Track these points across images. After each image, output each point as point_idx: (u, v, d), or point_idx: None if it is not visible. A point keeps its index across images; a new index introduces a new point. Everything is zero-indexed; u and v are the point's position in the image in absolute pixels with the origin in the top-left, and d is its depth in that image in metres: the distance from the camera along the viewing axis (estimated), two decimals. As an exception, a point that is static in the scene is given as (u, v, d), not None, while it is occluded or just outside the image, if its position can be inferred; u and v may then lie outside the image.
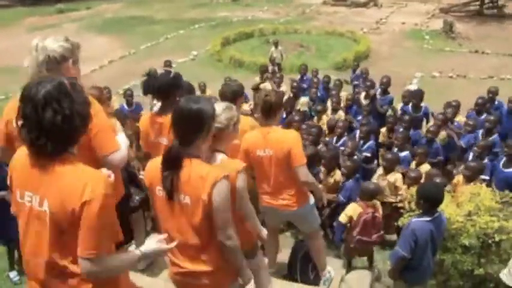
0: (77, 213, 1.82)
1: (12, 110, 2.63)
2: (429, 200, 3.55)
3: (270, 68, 12.37)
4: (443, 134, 6.69)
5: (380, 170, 5.76)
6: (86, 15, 23.83)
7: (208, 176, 2.26)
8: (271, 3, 24.41)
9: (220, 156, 2.78)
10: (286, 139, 3.60)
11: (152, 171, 2.45)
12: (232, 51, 16.22)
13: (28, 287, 2.08)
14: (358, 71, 9.97)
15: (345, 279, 4.44)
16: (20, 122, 1.85)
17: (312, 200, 3.90)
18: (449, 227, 4.36)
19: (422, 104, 7.68)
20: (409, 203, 4.70)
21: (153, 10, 23.85)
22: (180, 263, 2.46)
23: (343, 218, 4.68)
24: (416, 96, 7.68)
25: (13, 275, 4.83)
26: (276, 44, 13.59)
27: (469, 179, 5.18)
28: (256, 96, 3.86)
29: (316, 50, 16.42)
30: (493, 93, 7.65)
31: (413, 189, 4.85)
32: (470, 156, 5.97)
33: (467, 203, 4.52)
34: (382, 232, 4.72)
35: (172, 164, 2.30)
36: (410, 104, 7.68)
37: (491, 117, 6.65)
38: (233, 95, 3.89)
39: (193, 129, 2.33)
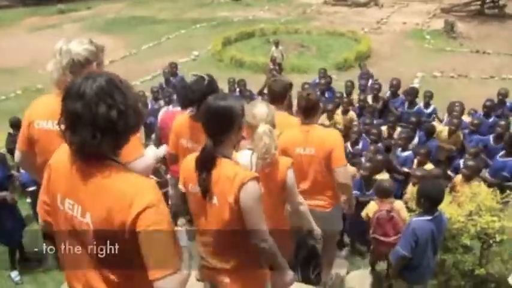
0: (128, 231, 1.63)
1: (36, 111, 2.61)
2: (430, 199, 3.55)
3: (271, 66, 12.40)
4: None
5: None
6: (87, 16, 23.85)
7: (235, 178, 2.22)
8: (272, 3, 24.42)
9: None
10: (329, 138, 3.56)
11: (186, 170, 2.46)
12: (233, 51, 16.24)
13: None
14: (363, 70, 9.90)
15: (347, 279, 4.45)
16: (63, 125, 1.69)
17: (341, 203, 3.89)
18: (450, 227, 4.36)
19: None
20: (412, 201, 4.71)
21: (155, 10, 23.88)
22: (207, 258, 2.49)
23: (363, 213, 4.71)
24: (411, 93, 7.71)
25: (14, 274, 4.84)
26: (276, 44, 13.60)
27: (468, 178, 5.21)
28: (298, 94, 3.82)
29: (317, 50, 16.42)
30: (503, 95, 7.60)
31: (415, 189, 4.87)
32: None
33: (468, 203, 4.53)
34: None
35: (206, 164, 2.29)
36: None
37: (502, 122, 6.57)
38: (283, 90, 3.89)
39: (223, 127, 2.30)
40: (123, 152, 1.98)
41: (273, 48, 13.61)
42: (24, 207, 5.39)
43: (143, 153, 2.51)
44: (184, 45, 17.55)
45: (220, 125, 2.30)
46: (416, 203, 3.70)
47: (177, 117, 3.73)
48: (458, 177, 5.42)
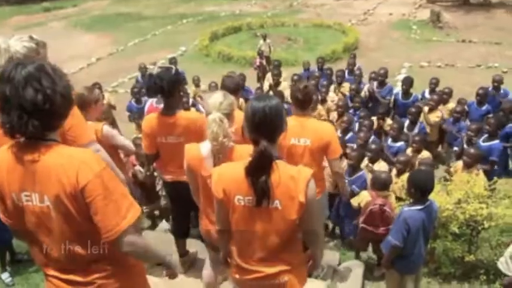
0: (80, 199, 1.81)
1: None
2: (420, 189, 3.56)
3: (258, 61, 12.37)
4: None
5: (365, 160, 5.77)
6: (72, 13, 23.62)
7: (300, 175, 2.21)
8: (259, -3, 24.39)
9: (231, 143, 2.82)
10: (325, 130, 3.67)
11: (227, 180, 2.29)
12: (220, 45, 16.19)
13: (49, 282, 2.05)
14: (350, 61, 9.90)
15: (338, 271, 4.47)
16: None
17: (326, 191, 3.99)
18: (439, 215, 4.40)
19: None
20: (400, 190, 4.75)
21: (141, 6, 23.72)
22: (258, 269, 2.40)
23: (354, 201, 4.74)
24: (406, 83, 7.74)
25: (5, 276, 4.79)
26: (264, 37, 13.58)
27: (469, 165, 5.25)
28: (293, 87, 3.89)
29: (304, 43, 16.42)
30: (498, 82, 7.68)
31: (404, 177, 4.90)
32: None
33: (456, 191, 4.57)
34: (389, 227, 4.65)
35: (266, 166, 2.19)
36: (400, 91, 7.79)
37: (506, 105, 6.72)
38: (236, 86, 3.94)
39: (279, 126, 2.29)
40: (75, 138, 2.34)
41: (261, 41, 13.58)
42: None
43: (93, 138, 2.68)
44: (171, 41, 17.47)
45: (276, 124, 2.27)
46: (407, 192, 3.72)
47: (146, 118, 3.78)
48: (459, 164, 5.44)
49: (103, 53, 16.59)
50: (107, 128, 3.85)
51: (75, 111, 2.54)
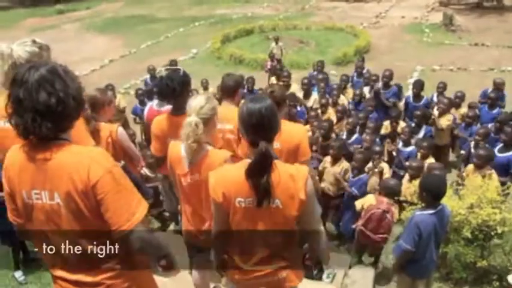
0: (91, 197, 1.85)
1: None
2: (432, 193, 3.55)
3: (269, 64, 12.37)
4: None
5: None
6: (86, 15, 23.84)
7: (299, 173, 2.27)
8: (271, 0, 24.40)
9: (208, 147, 2.89)
10: (295, 133, 3.58)
11: (226, 183, 2.31)
12: (232, 48, 16.21)
13: (56, 284, 2.07)
14: (358, 64, 9.87)
15: (349, 274, 4.46)
16: (10, 109, 1.86)
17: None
18: (451, 220, 4.37)
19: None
20: (411, 195, 4.72)
21: (153, 9, 23.85)
22: (258, 268, 2.43)
23: (358, 203, 4.73)
24: (416, 86, 7.68)
25: (18, 274, 4.85)
26: (276, 40, 13.58)
27: (479, 166, 5.20)
28: (261, 91, 3.89)
29: (316, 46, 16.39)
30: (499, 84, 7.63)
31: (416, 182, 4.88)
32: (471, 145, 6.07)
33: (469, 195, 4.53)
34: (387, 236, 4.62)
35: (267, 167, 2.22)
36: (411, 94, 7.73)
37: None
38: (235, 84, 3.92)
39: (275, 126, 2.32)
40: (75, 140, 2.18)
41: (273, 44, 13.59)
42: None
43: (92, 143, 2.70)
44: (183, 44, 17.54)
45: (273, 124, 2.31)
46: (419, 197, 3.70)
47: (155, 120, 3.78)
48: (470, 167, 5.39)
49: (115, 55, 16.71)
50: (121, 130, 3.88)
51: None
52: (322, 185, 5.54)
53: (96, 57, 15.88)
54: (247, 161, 2.26)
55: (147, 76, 10.57)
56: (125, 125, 7.38)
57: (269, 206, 2.26)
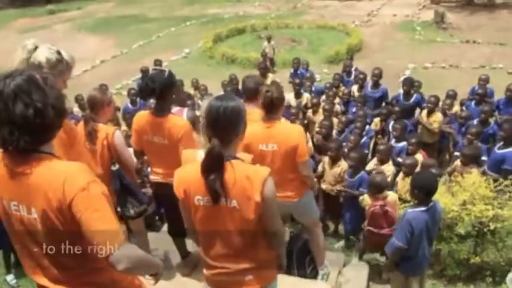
0: (67, 216, 1.75)
1: None
2: (424, 190, 3.55)
3: (262, 62, 12.35)
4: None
5: (374, 160, 5.77)
6: (77, 16, 23.71)
7: (256, 175, 2.23)
8: (262, -1, 24.41)
9: None
10: (292, 134, 3.60)
11: (186, 180, 2.32)
12: (224, 47, 16.19)
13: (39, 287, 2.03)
14: (346, 62, 9.88)
15: (343, 273, 4.45)
16: None
17: (311, 191, 3.94)
18: (444, 217, 4.38)
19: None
20: (405, 193, 4.72)
21: (145, 8, 23.77)
22: (222, 265, 2.42)
23: (362, 202, 4.77)
24: (406, 84, 7.68)
25: (10, 278, 4.81)
26: (269, 39, 13.58)
27: (465, 164, 5.25)
28: (260, 91, 3.84)
29: (308, 44, 16.40)
30: (484, 81, 7.69)
31: (408, 180, 4.89)
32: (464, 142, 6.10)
33: (462, 192, 4.55)
34: (393, 227, 4.63)
35: (216, 164, 2.20)
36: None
37: (486, 108, 6.66)
38: (257, 86, 3.89)
39: (233, 127, 2.28)
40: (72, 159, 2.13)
41: (265, 43, 13.59)
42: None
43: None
44: (175, 43, 17.49)
45: (230, 126, 2.27)
46: (411, 194, 3.71)
47: (137, 115, 3.79)
48: (457, 163, 5.43)
49: (107, 56, 16.63)
50: (118, 134, 3.81)
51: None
52: (323, 186, 5.56)
53: (88, 58, 15.78)
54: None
55: (140, 76, 10.52)
56: (117, 124, 7.34)
57: (226, 206, 2.25)
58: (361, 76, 8.30)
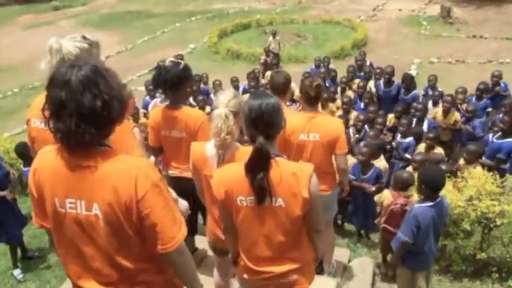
0: (135, 211, 1.70)
1: (33, 109, 2.50)
2: (431, 185, 3.53)
3: (263, 58, 12.38)
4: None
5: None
6: (81, 12, 23.76)
7: (302, 172, 2.21)
8: (267, -6, 24.34)
9: (236, 144, 2.79)
10: (334, 125, 3.65)
11: (228, 181, 2.26)
12: (229, 43, 16.18)
13: None
14: (359, 57, 9.85)
15: (348, 267, 4.45)
16: (47, 112, 1.67)
17: (338, 187, 3.95)
18: (450, 212, 4.36)
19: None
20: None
21: (149, 4, 23.77)
22: (265, 269, 2.39)
23: (378, 199, 4.71)
24: (406, 80, 7.70)
25: (17, 272, 4.84)
26: (274, 34, 13.56)
27: (469, 162, 5.26)
28: (302, 83, 3.84)
29: (313, 39, 16.37)
30: (497, 76, 7.71)
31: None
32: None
33: (468, 188, 4.52)
34: None
35: (264, 163, 2.17)
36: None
37: (508, 101, 6.68)
38: (286, 80, 3.88)
39: (275, 123, 2.26)
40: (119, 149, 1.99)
41: (270, 38, 13.57)
42: (24, 206, 5.39)
43: (141, 153, 2.51)
44: (180, 39, 17.50)
45: (273, 121, 2.25)
46: (418, 189, 3.69)
47: (152, 112, 3.76)
48: (460, 162, 5.44)
49: (112, 51, 16.66)
50: (137, 131, 3.80)
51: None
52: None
53: None
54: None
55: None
56: (137, 119, 7.25)
57: (271, 205, 2.21)
58: (378, 71, 8.33)
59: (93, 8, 24.25)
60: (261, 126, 2.22)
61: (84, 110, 1.61)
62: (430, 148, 5.69)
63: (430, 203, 3.54)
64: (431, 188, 3.54)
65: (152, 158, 3.85)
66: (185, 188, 3.47)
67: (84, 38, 2.50)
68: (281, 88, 3.84)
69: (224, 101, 2.72)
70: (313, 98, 3.65)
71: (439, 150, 5.69)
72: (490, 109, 7.34)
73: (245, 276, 2.48)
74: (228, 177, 2.28)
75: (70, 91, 1.61)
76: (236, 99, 2.77)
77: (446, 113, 6.86)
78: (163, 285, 1.93)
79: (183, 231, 1.80)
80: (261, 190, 2.17)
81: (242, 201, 2.24)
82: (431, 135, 5.80)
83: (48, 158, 1.77)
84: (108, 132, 1.74)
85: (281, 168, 2.20)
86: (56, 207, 1.76)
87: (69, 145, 1.69)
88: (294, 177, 2.19)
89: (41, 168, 1.79)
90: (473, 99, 7.37)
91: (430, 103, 7.28)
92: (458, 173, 5.12)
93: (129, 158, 1.79)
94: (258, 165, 2.17)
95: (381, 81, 7.98)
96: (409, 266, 3.77)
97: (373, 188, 5.10)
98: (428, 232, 3.59)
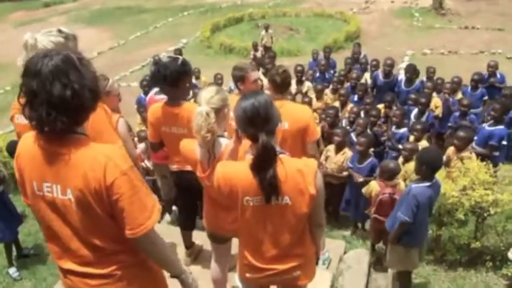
0: (105, 197, 1.78)
1: (16, 105, 2.53)
2: (431, 166, 3.65)
3: (252, 53, 12.37)
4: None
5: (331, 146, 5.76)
6: (73, 8, 23.58)
7: (308, 168, 2.20)
8: (260, -13, 24.23)
9: (224, 140, 2.78)
10: (303, 113, 3.63)
11: (233, 180, 2.23)
12: (222, 37, 16.12)
13: (66, 279, 2.00)
14: (355, 49, 9.85)
15: (344, 259, 4.47)
16: (23, 100, 1.74)
17: None
18: (444, 202, 4.39)
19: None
20: (405, 180, 4.72)
21: (141, -1, 23.64)
22: (269, 266, 2.38)
23: (366, 191, 4.74)
24: (409, 70, 7.71)
25: (12, 271, 4.82)
26: (266, 28, 13.52)
27: (460, 149, 5.28)
28: (271, 71, 3.82)
29: (306, 32, 16.34)
30: (493, 67, 7.74)
31: (408, 166, 4.88)
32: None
33: (462, 178, 4.55)
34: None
35: (271, 160, 2.15)
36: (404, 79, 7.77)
37: (507, 91, 6.77)
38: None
39: (273, 118, 2.25)
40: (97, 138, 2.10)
41: (263, 32, 13.53)
42: (19, 204, 5.36)
43: (121, 143, 2.59)
44: (172, 33, 17.41)
45: (271, 116, 2.24)
46: (417, 170, 3.75)
47: (151, 108, 3.72)
48: (451, 149, 5.45)
49: (104, 47, 16.56)
50: (122, 122, 3.77)
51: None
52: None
53: (85, 50, 15.11)
54: (251, 157, 2.19)
55: (152, 67, 10.45)
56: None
57: (278, 203, 2.20)
58: (374, 63, 8.35)
59: (84, 4, 24.06)
60: (260, 123, 2.19)
61: (53, 99, 1.68)
62: (417, 140, 5.71)
63: (428, 183, 3.67)
64: (431, 169, 3.66)
65: (140, 146, 3.80)
66: (187, 181, 3.48)
67: (59, 31, 2.50)
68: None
69: (206, 97, 2.72)
70: (280, 85, 3.66)
71: (424, 143, 5.68)
72: (486, 98, 7.31)
73: (248, 275, 2.48)
74: (233, 176, 2.24)
75: (40, 80, 1.68)
76: (219, 95, 2.77)
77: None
78: (138, 265, 1.99)
79: (154, 218, 1.86)
80: (271, 188, 2.14)
81: (248, 201, 2.22)
82: (418, 126, 5.83)
83: (28, 143, 1.86)
84: (80, 120, 1.81)
85: (286, 166, 2.18)
86: (34, 191, 1.86)
87: (43, 132, 1.76)
88: (299, 174, 2.18)
89: (22, 153, 1.89)
90: (469, 89, 7.37)
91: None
92: (452, 161, 5.16)
93: (100, 146, 1.85)
94: (265, 163, 2.14)
95: (379, 73, 7.98)
96: (405, 243, 3.85)
97: (361, 179, 5.14)
98: (425, 210, 3.72)
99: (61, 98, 1.69)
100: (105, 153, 1.80)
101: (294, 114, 3.59)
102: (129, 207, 1.79)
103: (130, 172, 1.82)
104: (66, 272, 1.97)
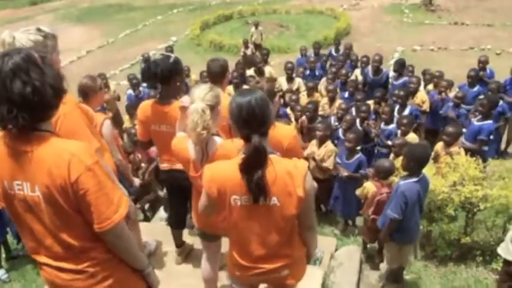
0: (71, 193, 1.80)
1: None
2: (418, 161, 3.66)
3: (242, 50, 12.34)
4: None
5: (314, 142, 5.74)
6: (60, 6, 23.36)
7: (297, 170, 2.16)
8: (249, -16, 24.18)
9: (218, 139, 2.74)
10: (283, 137, 3.10)
11: (221, 179, 2.20)
12: (211, 34, 16.07)
13: (42, 270, 2.03)
14: (340, 48, 9.88)
15: (335, 256, 4.47)
16: None
17: None
18: (434, 198, 4.41)
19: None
20: (396, 175, 4.72)
21: (130, -3, 23.48)
22: (257, 265, 2.36)
23: (359, 192, 4.71)
24: (397, 66, 7.78)
25: (1, 273, 4.77)
26: (256, 25, 13.49)
27: (449, 144, 5.29)
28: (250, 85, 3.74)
29: (296, 29, 16.34)
30: (483, 62, 7.75)
31: (399, 160, 4.88)
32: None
33: (451, 174, 4.57)
34: None
35: (262, 161, 2.11)
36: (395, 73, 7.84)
37: (493, 85, 6.91)
38: (221, 69, 3.81)
39: (268, 117, 2.18)
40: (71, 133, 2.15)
41: (253, 29, 13.50)
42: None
43: (96, 145, 2.60)
44: (162, 31, 17.33)
45: (265, 115, 2.18)
46: (405, 166, 3.75)
47: (141, 105, 3.67)
48: (439, 144, 5.47)
49: (93, 46, 16.44)
50: (107, 124, 3.74)
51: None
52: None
53: (73, 48, 15.58)
54: (242, 156, 2.15)
55: (142, 64, 10.43)
56: (117, 114, 7.17)
57: (266, 204, 2.17)
58: (364, 59, 8.36)
59: (72, 2, 23.85)
60: (255, 124, 2.14)
61: (14, 96, 1.71)
62: (404, 134, 5.72)
63: (415, 179, 3.68)
64: (419, 164, 3.68)
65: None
66: (177, 179, 3.44)
67: (38, 30, 2.47)
68: (216, 76, 3.81)
69: (200, 95, 2.66)
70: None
71: (412, 137, 5.71)
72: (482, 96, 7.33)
73: (237, 273, 2.46)
74: (221, 175, 2.21)
75: (1, 78, 1.72)
76: (212, 92, 2.72)
77: (413, 95, 7.05)
78: (110, 263, 2.01)
79: (121, 212, 1.89)
80: (258, 189, 2.12)
81: (236, 200, 2.20)
82: (404, 121, 5.83)
83: None
84: (42, 117, 1.82)
85: (276, 167, 2.15)
86: (6, 189, 1.89)
87: (7, 130, 1.79)
88: (289, 176, 2.15)
89: None
90: (466, 86, 7.32)
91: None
92: (441, 156, 5.18)
93: (63, 142, 1.86)
94: (255, 164, 2.12)
95: (369, 69, 7.99)
96: (398, 240, 3.85)
97: (345, 173, 5.15)
98: (414, 206, 3.72)
99: (21, 95, 1.71)
100: (69, 150, 1.81)
101: (273, 139, 3.33)
102: (95, 202, 1.82)
103: (96, 167, 1.84)
104: (42, 264, 2.02)
